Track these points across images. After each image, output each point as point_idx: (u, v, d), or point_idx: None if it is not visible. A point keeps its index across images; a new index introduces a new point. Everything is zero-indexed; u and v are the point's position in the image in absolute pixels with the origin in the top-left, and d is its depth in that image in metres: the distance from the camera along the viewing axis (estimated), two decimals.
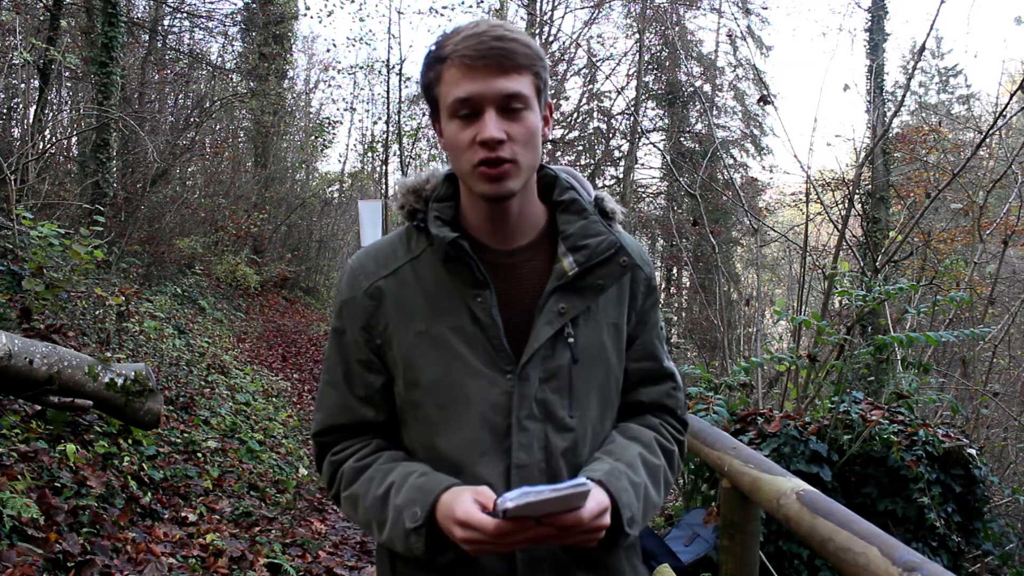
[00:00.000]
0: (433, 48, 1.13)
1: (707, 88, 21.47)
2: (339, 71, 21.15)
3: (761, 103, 14.07)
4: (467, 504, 1.03)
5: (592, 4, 16.74)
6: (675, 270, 20.85)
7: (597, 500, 1.05)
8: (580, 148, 19.82)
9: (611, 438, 1.23)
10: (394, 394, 1.22)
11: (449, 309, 1.17)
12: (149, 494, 3.91)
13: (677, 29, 18.56)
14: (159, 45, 15.30)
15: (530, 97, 1.11)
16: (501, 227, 1.19)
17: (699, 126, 20.21)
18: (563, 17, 19.61)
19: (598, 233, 1.19)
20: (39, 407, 3.90)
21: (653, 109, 21.06)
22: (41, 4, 10.18)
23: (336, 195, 24.48)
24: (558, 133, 18.07)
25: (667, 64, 20.02)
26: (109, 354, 4.67)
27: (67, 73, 10.87)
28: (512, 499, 0.95)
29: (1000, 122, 5.05)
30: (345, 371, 1.23)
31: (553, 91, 16.96)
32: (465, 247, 1.14)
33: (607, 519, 1.05)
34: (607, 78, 18.22)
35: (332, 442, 1.26)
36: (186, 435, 5.11)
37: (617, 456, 1.18)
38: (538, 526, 1.00)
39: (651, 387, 1.29)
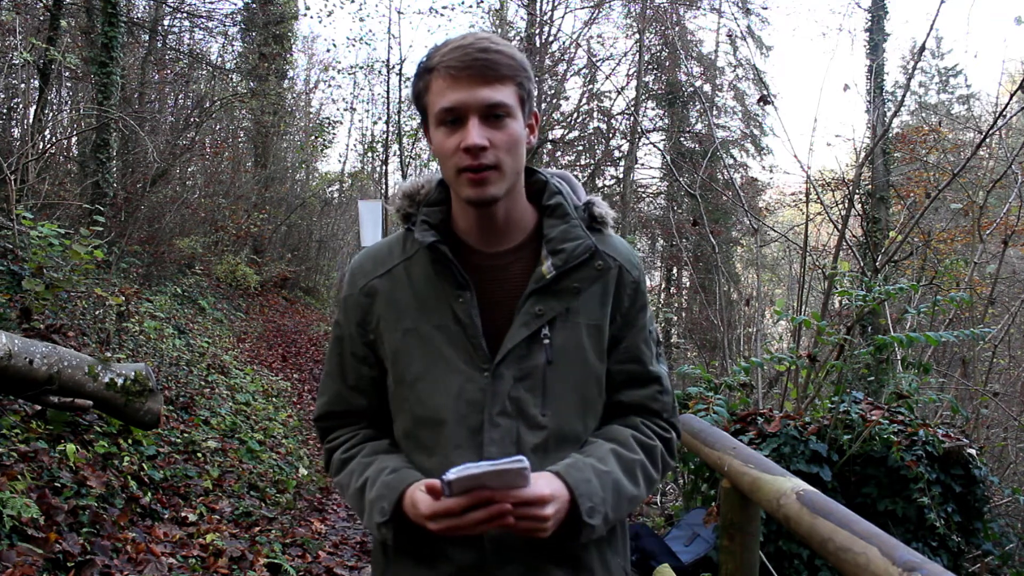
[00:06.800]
0: (423, 60, 1.19)
1: (707, 88, 21.46)
2: (339, 71, 21.03)
3: (761, 103, 14.07)
4: (417, 495, 1.11)
5: (592, 4, 16.71)
6: (675, 270, 20.85)
7: (551, 488, 1.09)
8: (580, 148, 19.80)
9: (588, 440, 1.26)
10: (387, 385, 1.30)
11: (435, 308, 1.23)
12: (149, 494, 3.90)
13: (677, 29, 18.54)
14: (159, 45, 15.29)
15: (513, 106, 1.15)
16: (488, 230, 1.24)
17: (699, 126, 20.20)
18: (563, 17, 19.53)
19: (576, 237, 1.23)
20: (39, 407, 3.90)
21: (653, 109, 21.07)
22: (41, 4, 10.17)
23: (336, 195, 24.49)
24: (558, 133, 18.05)
25: (667, 64, 19.99)
26: (109, 354, 4.67)
27: (67, 73, 10.86)
28: (454, 472, 1.03)
29: (1000, 122, 5.05)
30: (341, 363, 1.33)
31: (553, 91, 17.09)
32: (444, 250, 1.20)
33: (551, 509, 1.08)
34: (607, 78, 18.18)
35: (329, 427, 1.36)
36: (186, 435, 5.10)
37: (586, 453, 1.21)
38: (490, 505, 1.05)
39: (635, 390, 1.30)
